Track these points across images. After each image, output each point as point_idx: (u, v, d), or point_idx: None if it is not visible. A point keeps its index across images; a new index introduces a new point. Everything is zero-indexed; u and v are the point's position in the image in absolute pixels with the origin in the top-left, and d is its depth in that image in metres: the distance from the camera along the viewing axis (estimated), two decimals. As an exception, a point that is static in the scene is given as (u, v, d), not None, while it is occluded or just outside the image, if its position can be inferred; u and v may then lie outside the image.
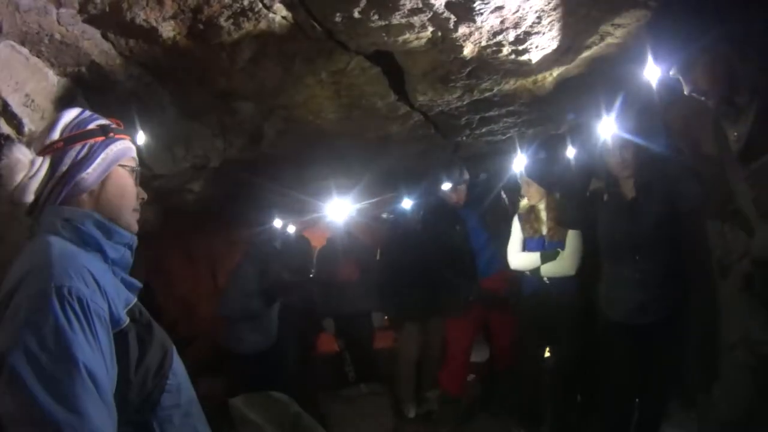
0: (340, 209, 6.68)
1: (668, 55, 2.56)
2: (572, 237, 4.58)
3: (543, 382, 5.05)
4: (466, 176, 5.62)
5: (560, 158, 4.85)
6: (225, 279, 6.53)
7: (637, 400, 4.17)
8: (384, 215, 5.89)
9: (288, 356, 6.01)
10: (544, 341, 4.96)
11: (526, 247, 4.89)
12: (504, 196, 5.78)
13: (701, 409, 4.26)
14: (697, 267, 3.99)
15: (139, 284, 1.84)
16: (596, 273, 4.26)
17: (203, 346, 7.82)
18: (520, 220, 4.97)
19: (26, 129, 2.75)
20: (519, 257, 4.91)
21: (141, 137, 3.41)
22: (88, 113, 1.86)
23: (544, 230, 4.76)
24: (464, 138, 5.19)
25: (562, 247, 4.61)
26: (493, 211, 5.62)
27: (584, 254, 4.54)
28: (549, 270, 4.66)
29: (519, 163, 4.96)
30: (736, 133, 2.63)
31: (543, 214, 4.79)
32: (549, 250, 4.67)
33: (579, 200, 4.31)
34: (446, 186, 5.63)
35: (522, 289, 4.97)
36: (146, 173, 4.11)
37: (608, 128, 3.85)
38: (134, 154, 1.92)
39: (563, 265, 4.59)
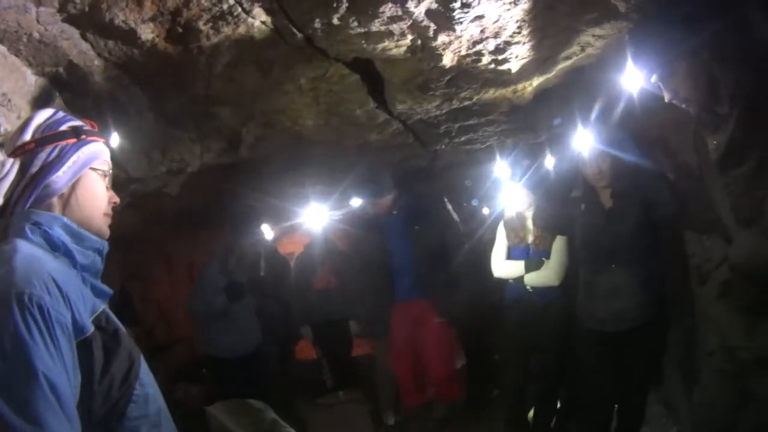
0: (318, 216, 6.65)
1: (649, 62, 2.58)
2: (558, 247, 4.61)
3: (526, 388, 5.07)
4: (389, 188, 5.50)
5: (546, 165, 4.87)
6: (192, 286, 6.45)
7: (616, 406, 4.20)
8: (394, 212, 5.84)
9: (267, 363, 5.97)
10: (527, 349, 4.99)
11: (511, 255, 4.90)
12: (450, 208, 5.72)
13: (681, 414, 4.29)
14: (676, 274, 4.02)
15: (109, 291, 1.81)
16: (575, 281, 4.29)
17: (181, 352, 7.77)
18: (506, 227, 4.98)
19: (2, 129, 2.72)
20: (503, 265, 4.92)
21: (116, 140, 3.37)
22: (61, 114, 1.84)
23: (530, 238, 4.77)
24: (443, 146, 5.19)
25: (547, 257, 4.62)
26: (426, 227, 5.47)
27: (570, 265, 4.56)
28: (533, 279, 4.67)
29: (504, 170, 4.97)
30: (715, 142, 2.65)
31: (529, 222, 4.80)
32: (534, 258, 4.69)
33: (560, 205, 4.34)
34: (356, 202, 5.56)
35: (505, 296, 4.98)
36: (122, 177, 4.08)
37: (585, 139, 3.87)
38: (107, 157, 1.90)
39: (547, 275, 4.61)
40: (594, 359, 4.11)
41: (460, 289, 5.35)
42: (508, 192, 4.92)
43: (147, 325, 7.25)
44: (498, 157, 5.10)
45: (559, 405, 5.24)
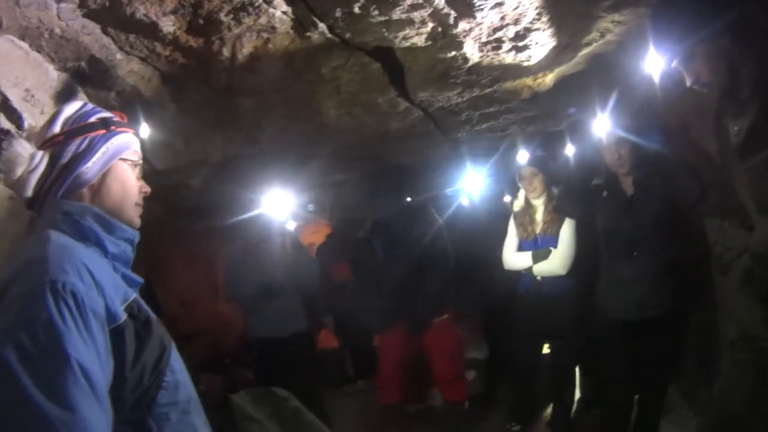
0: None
1: (670, 46, 2.55)
2: (565, 236, 4.60)
3: (538, 379, 5.09)
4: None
5: (563, 152, 4.87)
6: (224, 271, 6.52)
7: (636, 396, 4.19)
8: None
9: (296, 350, 5.99)
10: (540, 338, 5.00)
11: (522, 247, 4.91)
12: (435, 226, 5.68)
13: (701, 404, 4.27)
14: (697, 263, 4.00)
15: (139, 280, 1.82)
16: (594, 270, 4.28)
17: (203, 342, 7.83)
18: (515, 221, 4.99)
19: (26, 124, 2.75)
20: (513, 257, 4.94)
21: (146, 130, 3.41)
22: (90, 106, 1.85)
23: (538, 229, 4.79)
24: (464, 134, 5.19)
25: (555, 245, 4.62)
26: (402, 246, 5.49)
27: (578, 253, 4.56)
28: (541, 269, 4.68)
29: (522, 157, 4.96)
30: (736, 128, 2.62)
31: (538, 215, 4.81)
32: (541, 248, 4.69)
33: (579, 192, 4.34)
34: None
35: (519, 286, 4.99)
36: (146, 168, 4.11)
37: (605, 126, 3.86)
38: (137, 147, 1.92)
39: (554, 264, 4.61)
40: (614, 348, 4.10)
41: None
42: (527, 176, 4.90)
43: (169, 315, 7.30)
44: (518, 145, 5.10)
45: (578, 395, 5.25)
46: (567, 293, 4.63)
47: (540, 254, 4.70)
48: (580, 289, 4.54)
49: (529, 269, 4.77)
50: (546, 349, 5.26)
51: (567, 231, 4.62)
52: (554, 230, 4.68)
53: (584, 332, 4.56)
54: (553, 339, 4.97)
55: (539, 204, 4.84)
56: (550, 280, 4.69)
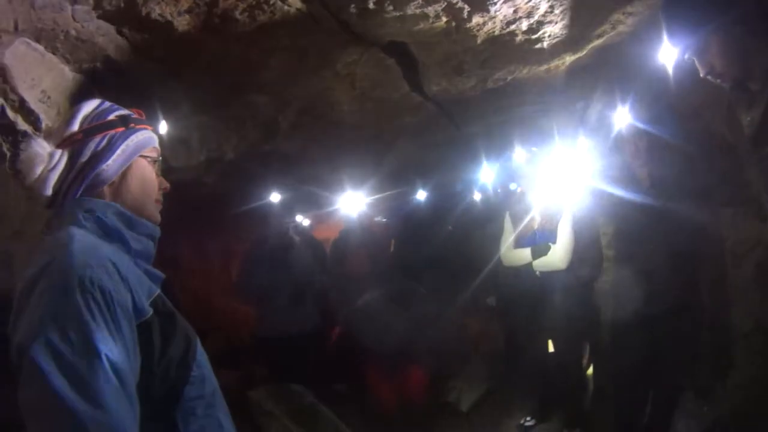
0: (353, 201, 6.66)
1: (683, 37, 2.54)
2: (563, 230, 4.58)
3: (548, 374, 5.08)
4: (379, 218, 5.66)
5: (574, 144, 4.85)
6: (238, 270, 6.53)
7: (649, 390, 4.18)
8: (377, 218, 5.85)
9: (309, 346, 6.01)
10: (543, 334, 4.99)
11: (520, 243, 4.88)
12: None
13: (714, 398, 4.26)
14: (710, 254, 3.99)
15: (161, 275, 1.82)
16: (597, 264, 4.28)
17: (217, 338, 7.85)
18: (512, 217, 4.97)
19: (43, 125, 2.77)
20: (511, 253, 4.91)
21: (164, 127, 3.43)
22: (108, 104, 1.85)
23: (536, 225, 4.77)
24: (478, 127, 5.18)
25: (553, 240, 4.61)
26: None
27: (577, 247, 4.55)
28: (540, 264, 4.66)
29: (523, 151, 4.96)
30: (749, 118, 2.61)
31: (536, 210, 4.80)
32: (540, 243, 4.68)
33: None
34: None
35: (518, 283, 4.96)
36: (162, 166, 4.14)
37: (621, 118, 3.85)
38: (156, 144, 1.92)
39: (554, 259, 4.58)
40: (626, 342, 4.09)
41: None
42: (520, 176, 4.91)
43: (184, 312, 7.31)
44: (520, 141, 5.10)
45: (592, 389, 5.24)
46: (567, 288, 4.61)
47: (539, 250, 4.68)
48: (580, 283, 4.53)
49: (529, 265, 4.76)
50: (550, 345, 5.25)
51: (566, 226, 4.60)
52: (552, 225, 4.66)
53: (588, 326, 4.55)
54: (555, 334, 4.95)
55: (537, 199, 4.82)
56: (550, 275, 4.68)
